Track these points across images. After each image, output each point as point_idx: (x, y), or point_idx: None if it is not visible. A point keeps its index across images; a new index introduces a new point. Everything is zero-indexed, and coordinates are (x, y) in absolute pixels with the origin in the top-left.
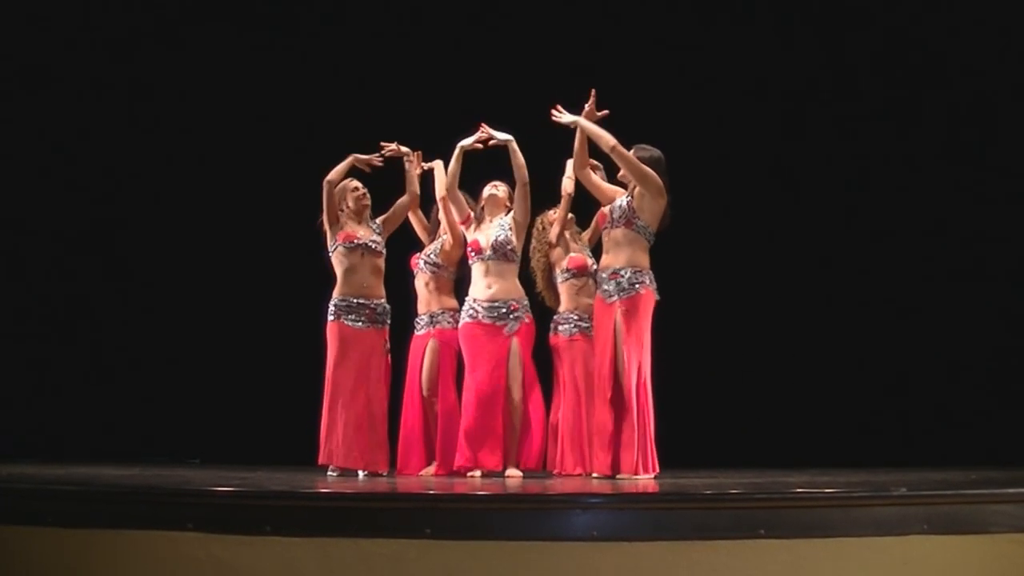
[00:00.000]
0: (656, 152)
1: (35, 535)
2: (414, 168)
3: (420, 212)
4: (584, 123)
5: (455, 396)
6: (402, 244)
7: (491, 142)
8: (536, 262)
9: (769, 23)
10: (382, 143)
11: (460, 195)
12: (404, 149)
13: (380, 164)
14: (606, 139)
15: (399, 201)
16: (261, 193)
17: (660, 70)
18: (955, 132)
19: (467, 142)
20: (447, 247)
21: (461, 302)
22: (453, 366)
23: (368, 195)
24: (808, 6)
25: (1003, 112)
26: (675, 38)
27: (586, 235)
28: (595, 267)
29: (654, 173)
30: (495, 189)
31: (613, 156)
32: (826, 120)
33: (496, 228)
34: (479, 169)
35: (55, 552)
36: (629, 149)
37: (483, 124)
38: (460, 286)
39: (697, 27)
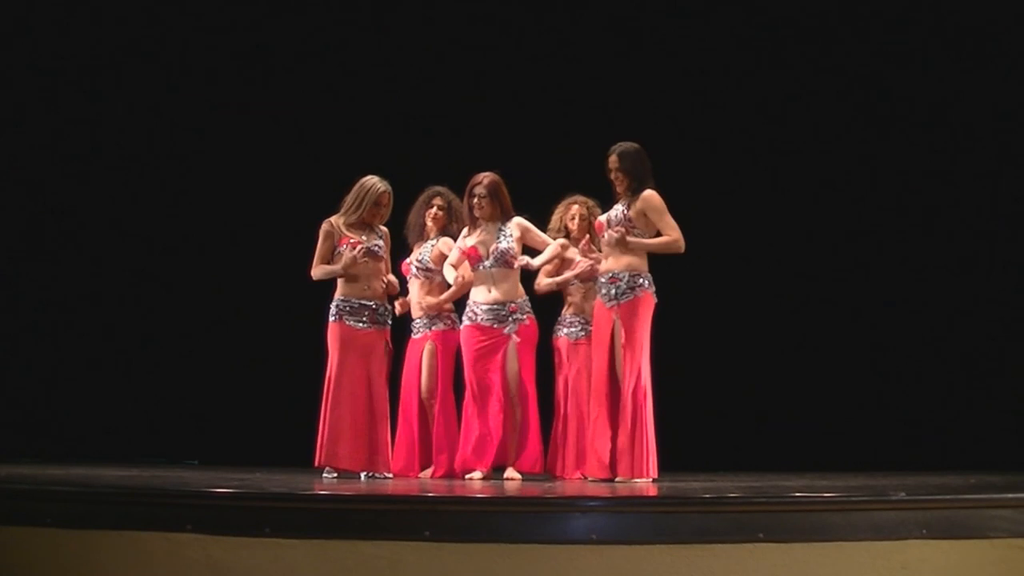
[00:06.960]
0: (636, 147)
1: (34, 536)
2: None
3: None
4: (644, 244)
5: (452, 398)
6: (397, 247)
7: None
8: None
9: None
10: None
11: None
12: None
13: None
14: (665, 244)
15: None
16: (260, 194)
17: (657, 68)
18: (963, 131)
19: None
20: (436, 253)
21: (457, 304)
22: (450, 368)
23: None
24: None
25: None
26: (676, 38)
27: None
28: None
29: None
30: (479, 211)
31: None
32: (835, 118)
33: (496, 234)
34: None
35: (54, 553)
36: (611, 152)
37: None
38: None
39: (698, 27)
